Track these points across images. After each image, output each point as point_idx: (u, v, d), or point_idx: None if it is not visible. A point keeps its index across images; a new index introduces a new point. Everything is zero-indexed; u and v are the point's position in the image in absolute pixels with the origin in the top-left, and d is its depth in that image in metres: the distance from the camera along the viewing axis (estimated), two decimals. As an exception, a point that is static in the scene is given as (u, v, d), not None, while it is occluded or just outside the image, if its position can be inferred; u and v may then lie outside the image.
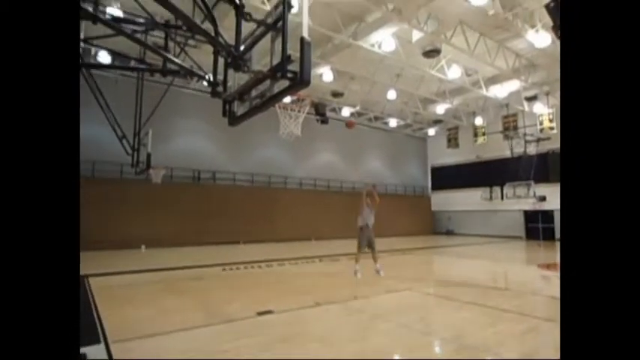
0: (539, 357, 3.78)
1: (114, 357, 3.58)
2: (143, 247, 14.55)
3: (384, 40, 12.86)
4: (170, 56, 4.79)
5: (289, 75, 2.89)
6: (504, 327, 4.63)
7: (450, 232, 25.68)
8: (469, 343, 4.03)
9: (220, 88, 4.10)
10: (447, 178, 26.08)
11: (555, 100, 18.78)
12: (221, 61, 4.09)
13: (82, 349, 3.64)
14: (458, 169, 25.45)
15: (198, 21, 3.98)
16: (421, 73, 15.95)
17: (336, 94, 18.61)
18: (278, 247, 16.14)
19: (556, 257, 12.79)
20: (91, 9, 4.04)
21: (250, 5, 9.17)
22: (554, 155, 19.13)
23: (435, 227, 26.88)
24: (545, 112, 20.27)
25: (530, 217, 21.39)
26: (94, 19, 3.59)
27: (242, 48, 3.50)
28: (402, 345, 4.03)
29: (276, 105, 7.33)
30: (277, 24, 3.17)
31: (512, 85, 17.33)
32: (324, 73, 15.47)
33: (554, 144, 18.75)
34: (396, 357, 3.85)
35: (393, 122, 24.00)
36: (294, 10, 3.11)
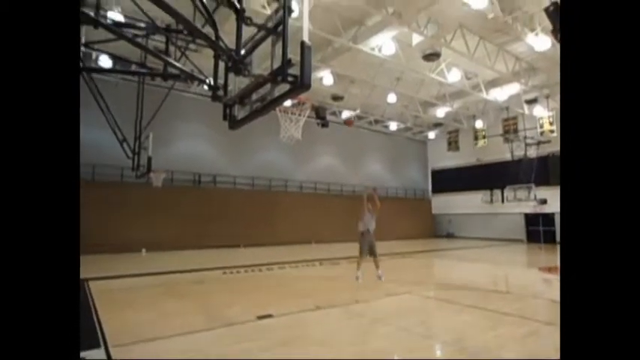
0: (541, 361, 3.77)
1: (113, 358, 3.57)
2: (144, 250, 14.53)
3: (384, 43, 12.90)
4: (171, 60, 4.82)
5: (290, 79, 2.91)
6: (505, 330, 4.61)
7: (450, 236, 25.63)
8: (470, 347, 4.02)
9: (221, 92, 4.12)
10: (448, 181, 26.06)
11: (555, 103, 18.80)
12: (222, 65, 4.11)
13: (82, 353, 3.63)
14: (458, 172, 25.44)
15: (199, 25, 4.00)
16: (421, 77, 15.99)
17: (336, 98, 18.64)
18: (278, 250, 16.12)
19: (557, 260, 12.75)
20: (92, 14, 4.06)
21: (251, 9, 9.21)
22: (555, 158, 19.13)
23: (436, 230, 26.83)
24: (545, 115, 20.28)
25: (531, 220, 21.35)
26: (96, 23, 3.61)
27: (243, 52, 3.52)
28: (402, 348, 4.02)
29: (277, 108, 7.35)
30: (278, 28, 3.19)
31: (513, 89, 17.36)
32: (325, 77, 15.51)
33: (555, 147, 18.74)
34: (396, 358, 3.84)
35: (393, 125, 24.03)
36: (294, 15, 3.13)
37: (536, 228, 20.86)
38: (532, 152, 19.44)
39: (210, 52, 4.39)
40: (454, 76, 15.84)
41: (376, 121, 23.76)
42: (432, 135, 26.15)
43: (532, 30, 12.15)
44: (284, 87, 3.08)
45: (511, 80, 16.08)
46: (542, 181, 18.94)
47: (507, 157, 20.71)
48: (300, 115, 8.23)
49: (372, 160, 25.76)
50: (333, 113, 21.11)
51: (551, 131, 20.31)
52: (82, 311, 5.37)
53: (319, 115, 14.23)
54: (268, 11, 9.72)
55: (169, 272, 9.52)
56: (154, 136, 9.26)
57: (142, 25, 5.86)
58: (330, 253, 14.40)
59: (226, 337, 4.41)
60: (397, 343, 4.19)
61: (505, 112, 21.53)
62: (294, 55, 2.89)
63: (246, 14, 3.50)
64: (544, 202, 19.25)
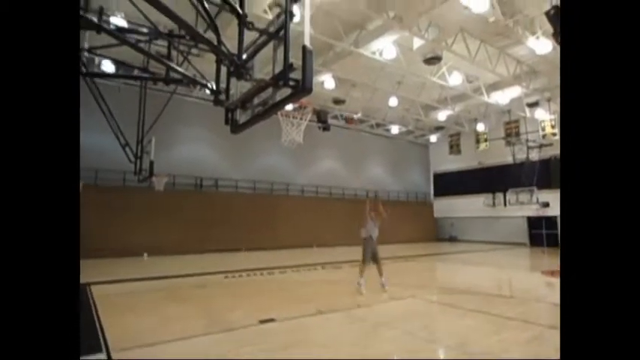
0: (545, 365, 3.74)
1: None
2: (145, 254, 14.52)
3: (385, 47, 12.94)
4: (173, 65, 4.84)
5: (291, 83, 2.92)
6: (509, 335, 4.58)
7: (453, 239, 25.54)
8: (473, 351, 3.99)
9: (223, 97, 4.14)
10: (450, 184, 26.01)
11: (557, 106, 18.76)
12: (224, 69, 4.12)
13: (84, 358, 3.62)
14: (460, 175, 25.40)
15: (201, 30, 4.03)
16: (422, 80, 16.01)
17: (337, 102, 18.68)
18: (280, 254, 16.09)
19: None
20: (95, 19, 4.09)
21: (252, 14, 9.24)
22: (557, 161, 19.08)
23: (438, 234, 26.75)
24: (547, 119, 20.22)
25: (533, 223, 21.25)
26: (99, 29, 3.64)
27: (244, 56, 3.54)
28: (406, 353, 4.00)
29: (278, 112, 7.36)
30: (279, 33, 3.20)
31: (514, 92, 17.35)
32: (326, 81, 15.56)
33: (557, 150, 18.69)
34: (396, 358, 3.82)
35: (394, 129, 24.03)
36: (295, 19, 3.15)
37: (539, 231, 20.76)
38: (534, 155, 19.39)
39: (212, 57, 4.42)
40: (455, 80, 15.85)
41: (378, 125, 23.78)
42: (433, 138, 26.16)
43: (533, 33, 12.16)
44: (286, 91, 3.09)
45: (512, 83, 16.09)
46: (545, 184, 18.88)
47: (509, 160, 20.64)
48: (301, 118, 8.25)
49: (374, 163, 25.75)
50: (335, 117, 21.15)
51: (553, 134, 20.25)
52: (84, 315, 5.36)
53: (321, 118, 14.27)
54: (270, 16, 9.77)
55: (171, 276, 9.52)
56: (156, 141, 9.28)
57: (145, 30, 5.91)
58: (332, 256, 14.37)
59: (228, 342, 4.39)
60: (401, 347, 4.16)
61: (507, 116, 21.52)
62: (295, 59, 2.90)
63: (248, 19, 3.52)
64: (546, 205, 19.18)
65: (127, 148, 9.24)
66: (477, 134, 24.52)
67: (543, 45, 12.18)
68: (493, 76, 15.23)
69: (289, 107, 8.41)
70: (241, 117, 4.09)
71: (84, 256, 12.78)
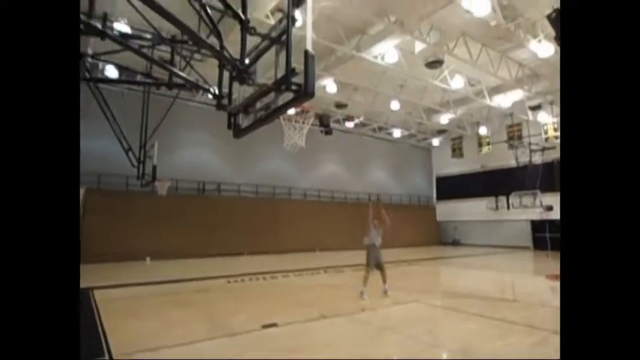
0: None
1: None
2: (148, 259, 14.53)
3: (386, 51, 12.97)
4: (176, 70, 4.87)
5: (294, 87, 2.93)
6: (513, 339, 4.54)
7: (456, 243, 25.43)
8: (477, 356, 3.96)
9: (225, 101, 4.16)
10: (452, 188, 25.93)
11: (559, 109, 18.74)
12: (226, 74, 4.14)
13: (87, 363, 3.62)
14: (463, 178, 25.32)
15: (203, 35, 4.05)
16: (424, 84, 16.03)
17: (339, 106, 18.72)
18: (283, 258, 16.06)
19: (565, 268, 12.57)
20: (99, 25, 4.13)
21: (255, 19, 9.32)
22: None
23: (441, 237, 26.64)
24: (549, 122, 20.21)
25: (537, 226, 21.11)
26: (103, 35, 3.67)
27: (247, 61, 3.56)
28: (410, 357, 3.97)
29: (281, 117, 7.38)
30: (282, 37, 3.22)
31: (516, 95, 17.34)
32: (328, 85, 15.60)
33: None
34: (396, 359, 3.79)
35: (397, 132, 24.03)
36: (298, 24, 3.16)
37: (543, 235, 20.61)
38: (537, 158, 19.31)
39: (214, 62, 4.44)
40: (457, 83, 15.86)
41: (380, 128, 23.79)
42: (436, 142, 26.12)
43: (535, 37, 12.17)
44: (288, 95, 3.10)
45: (514, 87, 16.07)
46: (548, 187, 18.78)
47: (512, 163, 20.57)
48: (303, 122, 8.26)
49: (376, 167, 25.74)
50: (337, 121, 21.18)
51: (556, 137, 20.22)
52: (87, 320, 5.37)
53: (323, 122, 14.29)
54: (272, 21, 9.83)
55: (174, 281, 9.51)
56: (158, 145, 9.32)
57: (148, 36, 5.96)
58: (335, 260, 14.33)
59: (230, 347, 4.37)
60: (404, 351, 4.14)
61: (509, 119, 21.46)
62: (297, 64, 2.92)
63: (251, 24, 3.54)
64: (550, 208, 19.06)
65: (130, 153, 9.28)
66: (480, 137, 24.47)
67: (545, 48, 12.18)
68: (495, 79, 15.23)
69: (291, 111, 8.42)
70: (244, 121, 4.11)
71: (86, 261, 12.83)
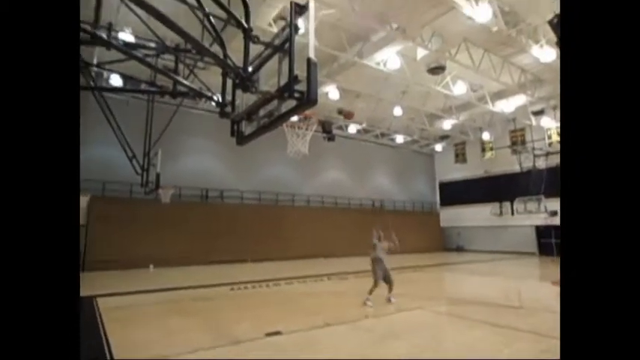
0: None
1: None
2: (151, 266, 14.53)
3: (389, 58, 13.04)
4: (180, 78, 4.91)
5: (296, 95, 2.94)
6: (520, 347, 4.48)
7: (460, 249, 25.26)
8: (484, 365, 3.91)
9: (229, 109, 4.18)
10: (456, 193, 25.83)
11: (563, 113, 18.69)
12: (229, 82, 4.17)
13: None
14: (466, 184, 25.23)
15: (207, 44, 4.09)
16: (427, 90, 16.06)
17: (342, 112, 18.75)
18: (286, 265, 16.01)
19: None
20: (105, 36, 4.18)
21: (258, 28, 9.41)
22: (564, 169, 18.88)
23: (445, 243, 26.48)
24: (553, 126, 20.14)
25: (542, 232, 20.96)
26: (108, 45, 3.71)
27: (250, 69, 3.58)
28: (414, 366, 3.92)
29: (284, 124, 7.40)
30: (284, 45, 3.24)
31: (519, 100, 17.33)
32: (330, 92, 15.66)
33: (564, 158, 18.51)
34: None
35: (399, 138, 24.04)
36: (300, 32, 3.18)
37: (548, 240, 20.46)
38: (541, 163, 19.24)
39: (218, 70, 4.48)
40: (460, 89, 15.88)
41: (382, 135, 23.81)
42: (438, 147, 26.10)
43: (537, 42, 12.19)
44: (291, 103, 3.11)
45: (517, 92, 16.07)
46: (553, 192, 18.64)
47: (516, 168, 20.50)
48: (306, 129, 8.29)
49: (379, 173, 25.71)
50: (340, 127, 21.23)
51: (560, 142, 20.11)
52: (90, 328, 5.36)
53: (325, 129, 14.32)
54: (275, 29, 9.91)
55: (177, 288, 9.49)
56: (162, 153, 9.36)
57: (152, 45, 6.01)
58: (339, 267, 14.26)
59: (234, 355, 4.34)
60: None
61: (512, 124, 21.43)
62: (300, 71, 2.93)
63: (253, 33, 3.57)
64: (555, 214, 18.92)
65: (134, 161, 9.33)
66: (483, 143, 24.43)
67: (547, 53, 12.20)
68: (497, 84, 15.24)
69: (294, 118, 8.46)
70: (247, 129, 4.13)
71: (90, 268, 12.84)
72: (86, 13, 5.25)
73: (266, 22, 10.17)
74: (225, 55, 3.66)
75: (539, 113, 19.26)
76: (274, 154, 18.71)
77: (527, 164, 19.56)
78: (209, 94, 4.63)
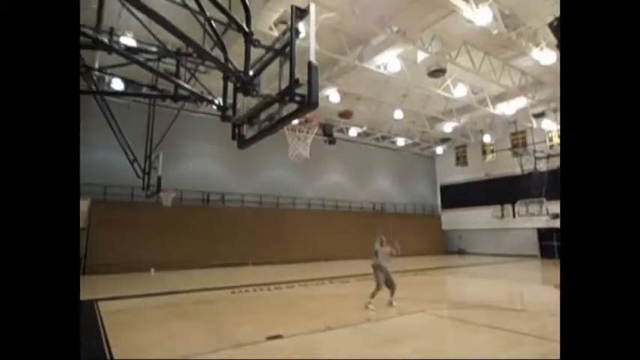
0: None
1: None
2: (152, 270, 14.52)
3: (389, 61, 13.06)
4: (181, 82, 4.93)
5: (297, 98, 2.95)
6: (523, 350, 4.46)
7: (461, 252, 25.19)
8: (486, 368, 3.89)
9: (230, 112, 4.19)
10: (457, 196, 25.80)
11: (564, 116, 18.67)
12: (230, 85, 4.19)
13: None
14: (467, 187, 25.19)
15: (208, 48, 4.11)
16: (427, 93, 16.08)
17: (342, 115, 18.78)
18: (287, 268, 15.98)
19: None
20: (106, 40, 4.20)
21: (258, 31, 9.45)
22: (566, 171, 18.84)
23: (447, 246, 26.42)
24: (554, 129, 20.12)
25: (544, 235, 20.90)
26: (110, 49, 3.73)
27: (251, 73, 3.59)
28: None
29: (285, 127, 7.40)
30: (285, 49, 3.25)
31: (520, 103, 17.33)
32: (331, 95, 15.69)
33: (565, 160, 18.47)
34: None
35: (400, 141, 24.05)
36: (301, 36, 3.20)
37: (550, 243, 20.39)
38: (542, 166, 19.21)
39: (219, 74, 4.50)
40: (460, 92, 15.89)
41: (383, 138, 23.82)
42: (439, 150, 26.09)
43: (537, 45, 12.21)
44: (292, 106, 3.12)
45: (518, 94, 16.08)
46: (554, 194, 18.61)
47: (517, 171, 20.47)
48: (307, 132, 8.29)
49: (380, 176, 25.70)
50: (340, 130, 21.26)
51: (561, 144, 20.08)
52: (91, 332, 5.35)
53: (326, 132, 14.36)
54: (276, 33, 9.95)
55: (178, 292, 9.48)
56: (163, 156, 9.39)
57: (154, 49, 6.05)
58: (340, 270, 14.22)
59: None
60: (410, 364, 4.07)
61: (513, 126, 21.42)
62: (301, 74, 2.94)
63: (254, 36, 3.59)
64: (557, 216, 18.87)
65: (136, 164, 9.36)
66: (484, 145, 24.41)
67: (547, 56, 12.21)
68: (498, 87, 15.25)
69: (295, 121, 8.46)
70: (248, 132, 4.13)
71: (91, 272, 12.84)
72: (88, 17, 5.29)
73: (267, 25, 10.21)
74: (227, 59, 3.67)
75: (540, 116, 19.26)
76: (275, 158, 18.73)
77: (529, 167, 19.54)
78: (210, 97, 4.65)
